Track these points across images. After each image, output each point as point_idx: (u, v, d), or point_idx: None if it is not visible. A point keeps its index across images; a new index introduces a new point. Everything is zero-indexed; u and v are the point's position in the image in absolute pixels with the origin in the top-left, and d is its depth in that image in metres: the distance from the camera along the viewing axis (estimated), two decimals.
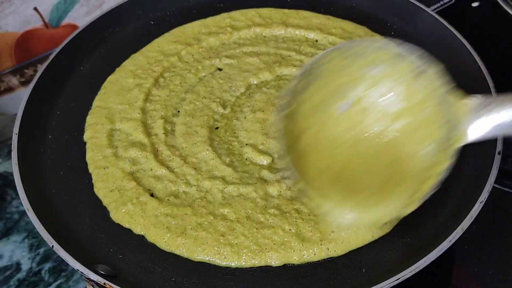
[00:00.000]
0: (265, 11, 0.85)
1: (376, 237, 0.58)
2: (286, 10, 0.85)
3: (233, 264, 0.57)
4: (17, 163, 0.63)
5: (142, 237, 0.60)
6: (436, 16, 0.76)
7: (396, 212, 0.48)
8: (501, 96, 0.48)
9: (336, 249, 0.57)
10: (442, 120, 0.49)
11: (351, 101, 0.53)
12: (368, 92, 0.53)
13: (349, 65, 0.53)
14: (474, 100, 0.49)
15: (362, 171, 0.51)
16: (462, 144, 0.48)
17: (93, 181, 0.65)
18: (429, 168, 0.49)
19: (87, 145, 0.69)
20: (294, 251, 0.57)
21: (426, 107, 0.51)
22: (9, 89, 0.98)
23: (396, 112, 0.53)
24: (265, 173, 0.64)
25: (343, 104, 0.54)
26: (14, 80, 0.97)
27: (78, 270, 0.54)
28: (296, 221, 0.59)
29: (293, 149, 0.51)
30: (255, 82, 0.76)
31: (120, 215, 0.61)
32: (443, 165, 0.48)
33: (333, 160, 0.51)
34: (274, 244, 0.57)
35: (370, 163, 0.51)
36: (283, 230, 0.58)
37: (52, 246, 0.56)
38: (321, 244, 0.57)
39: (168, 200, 0.62)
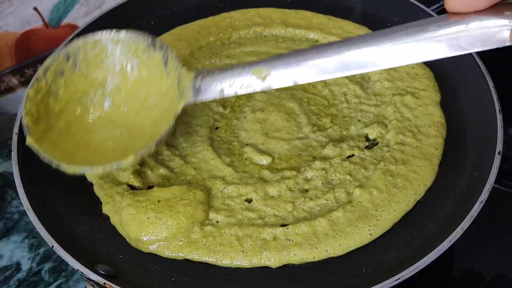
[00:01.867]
0: (265, 11, 0.85)
1: (374, 236, 0.58)
2: (286, 10, 0.85)
3: (233, 264, 0.57)
4: (17, 163, 0.63)
5: None
6: (436, 16, 0.76)
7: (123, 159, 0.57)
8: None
9: (336, 251, 0.57)
10: (169, 83, 0.61)
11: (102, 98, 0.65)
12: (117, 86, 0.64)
13: (103, 58, 0.64)
14: (193, 72, 0.60)
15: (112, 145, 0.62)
16: (184, 104, 0.59)
17: (93, 181, 0.66)
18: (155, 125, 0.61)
19: None
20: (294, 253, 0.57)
21: (163, 89, 0.62)
22: (9, 89, 0.98)
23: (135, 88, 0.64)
24: (265, 173, 0.64)
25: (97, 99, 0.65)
26: (14, 80, 0.97)
27: (78, 270, 0.54)
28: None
29: (48, 121, 0.61)
30: None
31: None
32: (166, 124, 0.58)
33: (88, 138, 0.63)
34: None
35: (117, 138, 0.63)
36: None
37: (52, 246, 0.56)
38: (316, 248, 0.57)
39: None
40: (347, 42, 0.54)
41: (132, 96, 0.64)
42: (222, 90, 0.58)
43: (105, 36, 0.63)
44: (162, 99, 0.62)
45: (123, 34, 0.63)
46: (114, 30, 0.63)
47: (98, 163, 0.58)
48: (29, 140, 0.58)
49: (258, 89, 0.57)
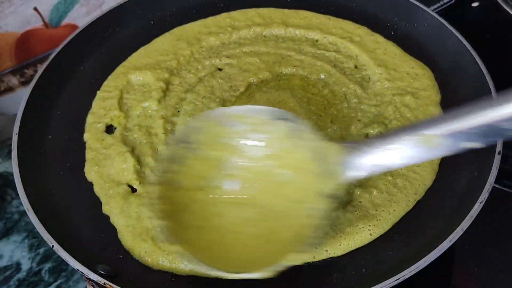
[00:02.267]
0: (265, 11, 0.85)
1: (374, 236, 0.58)
2: (286, 10, 0.85)
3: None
4: (17, 163, 0.63)
5: None
6: (436, 16, 0.76)
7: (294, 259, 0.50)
8: (372, 139, 0.52)
9: (336, 251, 0.57)
10: (318, 169, 0.52)
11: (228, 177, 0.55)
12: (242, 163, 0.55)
13: (221, 134, 0.55)
14: (346, 145, 0.52)
15: (249, 245, 0.52)
16: (338, 183, 0.51)
17: (93, 181, 0.66)
18: (308, 216, 0.51)
19: (87, 145, 0.69)
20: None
21: (301, 163, 0.53)
22: (9, 89, 0.98)
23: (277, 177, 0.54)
24: None
25: (221, 180, 0.55)
26: (14, 80, 0.97)
27: (78, 270, 0.54)
28: None
29: (173, 218, 0.52)
30: (255, 82, 0.76)
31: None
32: (321, 206, 0.50)
33: (221, 237, 0.53)
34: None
35: (253, 235, 0.53)
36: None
37: (52, 246, 0.56)
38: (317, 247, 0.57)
39: None
40: None
41: (262, 173, 0.55)
42: (387, 166, 0.50)
43: (218, 113, 0.55)
44: (301, 173, 0.53)
45: (237, 108, 0.55)
46: (227, 108, 0.56)
47: (242, 257, 0.49)
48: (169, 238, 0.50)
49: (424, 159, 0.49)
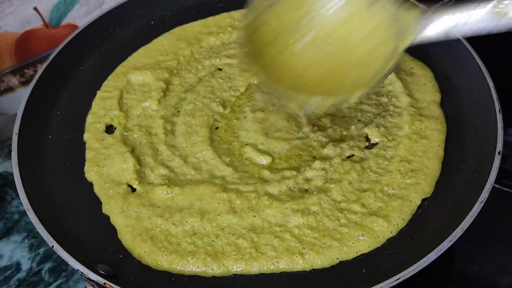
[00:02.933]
0: None
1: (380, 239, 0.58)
2: None
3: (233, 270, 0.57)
4: (17, 163, 0.63)
5: None
6: None
7: (350, 94, 0.57)
8: (447, 4, 0.56)
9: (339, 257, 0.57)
10: (392, 29, 0.58)
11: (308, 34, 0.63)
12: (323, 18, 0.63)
13: None
14: (422, 9, 0.57)
15: (318, 72, 0.61)
16: (409, 44, 0.56)
17: (93, 181, 0.66)
18: (375, 61, 0.59)
19: (87, 145, 0.69)
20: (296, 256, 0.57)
21: (378, 24, 0.60)
22: (9, 89, 0.98)
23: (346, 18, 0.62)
24: (265, 173, 0.64)
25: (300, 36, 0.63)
26: (14, 80, 0.97)
27: (78, 270, 0.54)
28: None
29: (256, 57, 0.61)
30: (255, 82, 0.76)
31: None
32: (390, 62, 0.57)
33: (294, 66, 0.62)
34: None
35: (324, 64, 0.62)
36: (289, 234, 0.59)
37: (52, 246, 0.56)
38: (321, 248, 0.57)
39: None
40: None
41: (338, 31, 0.62)
42: (451, 29, 0.54)
43: None
44: (369, 37, 0.60)
45: None
46: None
47: (318, 91, 0.57)
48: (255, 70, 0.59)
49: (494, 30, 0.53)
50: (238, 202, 0.61)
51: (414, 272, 0.51)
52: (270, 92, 0.58)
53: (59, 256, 0.55)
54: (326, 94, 0.58)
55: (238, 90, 0.75)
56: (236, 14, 0.85)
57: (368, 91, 0.57)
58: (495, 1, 0.51)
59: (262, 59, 0.61)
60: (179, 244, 0.58)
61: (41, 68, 0.74)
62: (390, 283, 0.51)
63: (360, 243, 0.57)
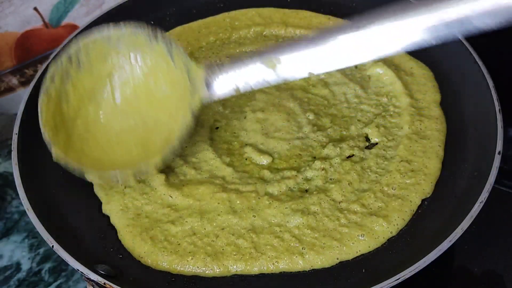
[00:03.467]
0: (265, 11, 0.85)
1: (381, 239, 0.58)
2: (286, 10, 0.85)
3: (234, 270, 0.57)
4: (17, 163, 0.63)
5: None
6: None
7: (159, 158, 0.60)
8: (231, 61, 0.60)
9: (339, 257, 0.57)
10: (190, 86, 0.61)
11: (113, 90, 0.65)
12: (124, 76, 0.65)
13: (106, 53, 0.64)
14: (203, 68, 0.60)
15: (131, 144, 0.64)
16: (200, 103, 0.60)
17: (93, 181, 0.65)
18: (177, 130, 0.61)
19: None
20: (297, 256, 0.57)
21: (177, 79, 0.62)
22: (9, 89, 0.98)
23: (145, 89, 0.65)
24: (265, 173, 0.64)
25: (105, 94, 0.65)
26: (14, 80, 0.97)
27: (78, 270, 0.54)
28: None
29: (66, 129, 0.63)
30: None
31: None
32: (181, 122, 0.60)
33: (107, 134, 0.64)
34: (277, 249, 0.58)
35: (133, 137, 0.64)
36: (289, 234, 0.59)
37: (52, 246, 0.56)
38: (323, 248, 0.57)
39: None
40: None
41: (142, 88, 0.64)
42: (237, 88, 0.59)
43: (104, 34, 0.62)
44: (173, 89, 0.62)
45: (121, 29, 0.62)
46: (111, 26, 0.62)
47: (125, 163, 0.59)
48: (56, 152, 0.58)
49: (272, 82, 0.57)
50: (238, 202, 0.61)
51: (414, 272, 0.51)
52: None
53: (59, 256, 0.55)
54: (132, 164, 0.60)
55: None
56: (236, 14, 0.85)
57: (164, 157, 0.59)
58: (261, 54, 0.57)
59: (69, 137, 0.62)
60: (179, 244, 0.58)
61: (41, 68, 0.74)
62: (390, 283, 0.51)
63: (360, 243, 0.57)
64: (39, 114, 0.60)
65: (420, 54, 0.76)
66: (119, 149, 0.62)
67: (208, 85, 0.59)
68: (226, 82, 0.59)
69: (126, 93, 0.64)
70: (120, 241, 0.60)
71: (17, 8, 0.89)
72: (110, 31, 0.62)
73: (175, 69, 0.61)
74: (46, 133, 0.59)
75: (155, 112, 0.63)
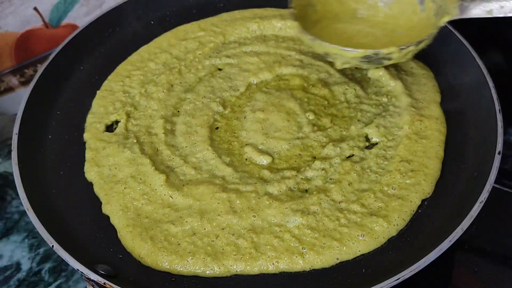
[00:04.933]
0: (265, 11, 0.85)
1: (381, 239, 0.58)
2: (286, 10, 0.85)
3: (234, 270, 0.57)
4: (17, 163, 0.63)
5: None
6: None
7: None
8: None
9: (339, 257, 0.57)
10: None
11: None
12: None
13: None
14: None
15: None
16: (449, 19, 0.64)
17: (93, 181, 0.66)
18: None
19: (87, 145, 0.69)
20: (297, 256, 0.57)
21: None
22: (9, 89, 0.98)
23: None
24: (265, 173, 0.64)
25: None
26: (14, 80, 0.97)
27: (78, 270, 0.54)
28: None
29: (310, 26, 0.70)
30: (255, 82, 0.76)
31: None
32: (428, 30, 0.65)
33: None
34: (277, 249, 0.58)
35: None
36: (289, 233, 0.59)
37: (52, 246, 0.56)
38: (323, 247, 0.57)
39: None
40: None
41: (381, 27, 0.71)
42: (491, 11, 0.62)
43: None
44: (409, 32, 0.69)
45: None
46: None
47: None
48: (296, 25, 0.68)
49: None
50: (238, 202, 0.61)
51: (414, 272, 0.51)
52: None
53: (59, 256, 0.55)
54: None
55: (238, 90, 0.75)
56: (236, 14, 0.85)
57: (398, 51, 0.63)
58: None
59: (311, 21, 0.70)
60: (179, 244, 0.58)
61: (41, 68, 0.74)
62: (390, 283, 0.51)
63: (360, 243, 0.57)
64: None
65: (420, 54, 0.76)
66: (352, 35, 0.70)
67: (462, 7, 0.63)
68: (482, 6, 0.62)
69: (365, 28, 0.72)
70: (120, 241, 0.60)
71: (17, 8, 0.89)
72: None
73: (420, 14, 0.68)
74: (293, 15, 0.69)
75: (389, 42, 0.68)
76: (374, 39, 0.71)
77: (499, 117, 0.62)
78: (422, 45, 0.64)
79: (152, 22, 0.86)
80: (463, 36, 0.72)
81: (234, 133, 0.70)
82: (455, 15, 0.64)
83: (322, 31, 0.71)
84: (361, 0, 0.73)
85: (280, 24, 0.82)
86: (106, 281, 0.53)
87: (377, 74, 0.74)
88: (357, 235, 0.57)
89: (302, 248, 0.57)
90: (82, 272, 0.53)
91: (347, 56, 0.65)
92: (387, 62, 0.66)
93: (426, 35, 0.63)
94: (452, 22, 0.73)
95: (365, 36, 0.71)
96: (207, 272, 0.57)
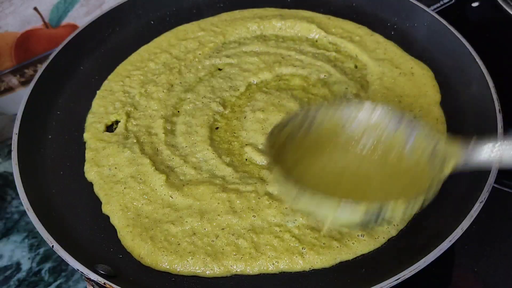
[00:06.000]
0: (265, 11, 0.85)
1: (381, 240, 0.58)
2: (286, 10, 0.85)
3: (234, 270, 0.57)
4: (17, 163, 0.63)
5: None
6: (436, 16, 0.76)
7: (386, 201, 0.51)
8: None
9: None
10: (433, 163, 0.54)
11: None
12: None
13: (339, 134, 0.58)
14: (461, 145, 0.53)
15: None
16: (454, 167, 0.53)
17: (93, 181, 0.66)
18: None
19: (87, 145, 0.69)
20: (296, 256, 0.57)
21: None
22: (9, 89, 0.98)
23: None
24: (265, 173, 0.64)
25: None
26: (14, 80, 0.97)
27: (78, 270, 0.54)
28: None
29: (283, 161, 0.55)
30: (255, 82, 0.76)
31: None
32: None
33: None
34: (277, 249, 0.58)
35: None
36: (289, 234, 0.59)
37: (52, 246, 0.56)
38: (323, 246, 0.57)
39: None
40: None
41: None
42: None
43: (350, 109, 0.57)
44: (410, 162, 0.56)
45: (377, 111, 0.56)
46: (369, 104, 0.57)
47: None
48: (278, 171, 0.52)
49: None
50: (238, 202, 0.61)
51: (414, 272, 0.51)
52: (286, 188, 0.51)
53: (59, 256, 0.55)
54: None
55: (238, 90, 0.75)
56: (236, 14, 0.85)
57: (411, 206, 0.50)
58: None
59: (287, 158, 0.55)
60: (179, 244, 0.58)
61: (41, 68, 0.74)
62: (390, 283, 0.51)
63: (360, 243, 0.57)
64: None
65: (420, 54, 0.76)
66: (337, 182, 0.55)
67: (467, 152, 0.52)
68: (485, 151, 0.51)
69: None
70: (120, 241, 0.60)
71: (17, 8, 0.89)
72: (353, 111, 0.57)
73: (406, 160, 0.55)
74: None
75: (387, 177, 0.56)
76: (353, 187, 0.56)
77: (499, 117, 0.62)
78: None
79: (152, 22, 0.86)
80: (463, 35, 0.72)
81: (234, 133, 0.70)
82: (459, 160, 0.52)
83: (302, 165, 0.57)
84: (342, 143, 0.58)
85: (280, 24, 0.82)
86: (106, 281, 0.53)
87: (377, 74, 0.74)
88: (357, 235, 0.57)
89: (302, 248, 0.57)
90: (82, 272, 0.53)
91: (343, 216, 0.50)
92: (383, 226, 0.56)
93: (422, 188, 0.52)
94: (452, 20, 0.73)
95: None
96: (207, 272, 0.57)
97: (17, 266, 0.77)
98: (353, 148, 0.57)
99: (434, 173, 0.53)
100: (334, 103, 0.58)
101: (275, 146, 0.55)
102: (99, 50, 0.81)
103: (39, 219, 0.58)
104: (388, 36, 0.79)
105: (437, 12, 0.78)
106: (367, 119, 0.57)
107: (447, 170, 0.52)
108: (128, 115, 0.72)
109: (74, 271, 0.76)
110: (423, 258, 0.52)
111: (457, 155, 0.52)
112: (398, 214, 0.49)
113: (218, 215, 0.60)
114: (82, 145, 0.70)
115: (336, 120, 0.58)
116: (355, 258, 0.57)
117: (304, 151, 0.57)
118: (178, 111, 0.73)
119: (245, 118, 0.71)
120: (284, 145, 0.56)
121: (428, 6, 0.79)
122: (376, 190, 0.55)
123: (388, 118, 0.56)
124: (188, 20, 0.85)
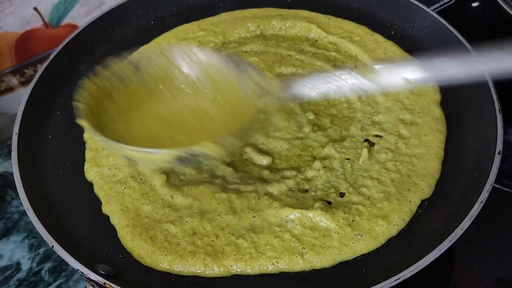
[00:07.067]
0: (265, 11, 0.85)
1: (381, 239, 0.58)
2: (286, 10, 0.85)
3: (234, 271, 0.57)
4: (17, 163, 0.63)
5: None
6: (436, 16, 0.76)
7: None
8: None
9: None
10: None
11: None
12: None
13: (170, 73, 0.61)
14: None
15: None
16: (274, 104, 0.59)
17: (93, 181, 0.66)
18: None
19: (87, 145, 0.69)
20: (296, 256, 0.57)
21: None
22: (9, 89, 0.98)
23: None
24: (265, 173, 0.64)
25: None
26: (14, 80, 0.97)
27: (78, 270, 0.54)
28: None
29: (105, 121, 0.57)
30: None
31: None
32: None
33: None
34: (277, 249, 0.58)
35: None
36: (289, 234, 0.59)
37: (52, 246, 0.56)
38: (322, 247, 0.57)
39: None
40: None
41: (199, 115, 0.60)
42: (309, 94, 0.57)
43: (176, 50, 0.60)
44: (238, 96, 0.59)
45: (199, 53, 0.60)
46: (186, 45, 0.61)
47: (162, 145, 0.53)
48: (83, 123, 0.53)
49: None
50: (238, 202, 0.61)
51: (414, 272, 0.51)
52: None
53: (59, 256, 0.55)
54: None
55: None
56: (236, 14, 0.85)
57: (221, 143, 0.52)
58: None
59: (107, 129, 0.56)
60: (179, 244, 0.58)
61: (41, 68, 0.74)
62: (390, 283, 0.51)
63: (360, 243, 0.57)
64: (78, 89, 0.55)
65: (420, 54, 0.76)
66: (163, 134, 0.58)
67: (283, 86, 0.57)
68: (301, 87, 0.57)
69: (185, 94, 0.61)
70: (120, 241, 0.60)
71: (17, 8, 0.89)
72: (185, 49, 0.60)
73: (239, 94, 0.59)
74: (81, 105, 0.54)
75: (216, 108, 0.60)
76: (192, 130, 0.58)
77: (499, 117, 0.62)
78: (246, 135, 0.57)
79: (152, 22, 0.86)
80: (463, 35, 0.72)
81: None
82: (276, 93, 0.57)
83: (131, 124, 0.58)
84: (173, 87, 0.61)
85: (280, 24, 0.82)
86: (106, 281, 0.53)
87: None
88: (357, 235, 0.57)
89: (302, 248, 0.57)
90: (82, 272, 0.53)
91: (153, 159, 0.52)
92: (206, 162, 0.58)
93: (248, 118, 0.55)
94: (452, 20, 0.73)
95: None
96: (207, 272, 0.57)
97: (17, 266, 0.77)
98: (183, 91, 0.61)
99: (257, 105, 0.57)
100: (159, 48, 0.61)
101: (90, 99, 0.56)
102: (99, 50, 0.81)
103: (39, 219, 0.58)
104: (388, 36, 0.79)
105: (437, 12, 0.78)
106: (195, 62, 0.61)
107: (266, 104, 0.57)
108: None
109: (74, 271, 0.76)
110: (423, 258, 0.52)
111: (275, 88, 0.58)
112: (212, 151, 0.51)
113: (218, 215, 0.60)
114: (82, 145, 0.70)
115: (164, 66, 0.61)
116: (355, 258, 0.57)
117: (134, 98, 0.59)
118: None
119: None
120: (106, 95, 0.58)
121: (428, 6, 0.79)
122: (210, 128, 0.58)
123: (215, 59, 0.60)
124: (188, 20, 0.85)
